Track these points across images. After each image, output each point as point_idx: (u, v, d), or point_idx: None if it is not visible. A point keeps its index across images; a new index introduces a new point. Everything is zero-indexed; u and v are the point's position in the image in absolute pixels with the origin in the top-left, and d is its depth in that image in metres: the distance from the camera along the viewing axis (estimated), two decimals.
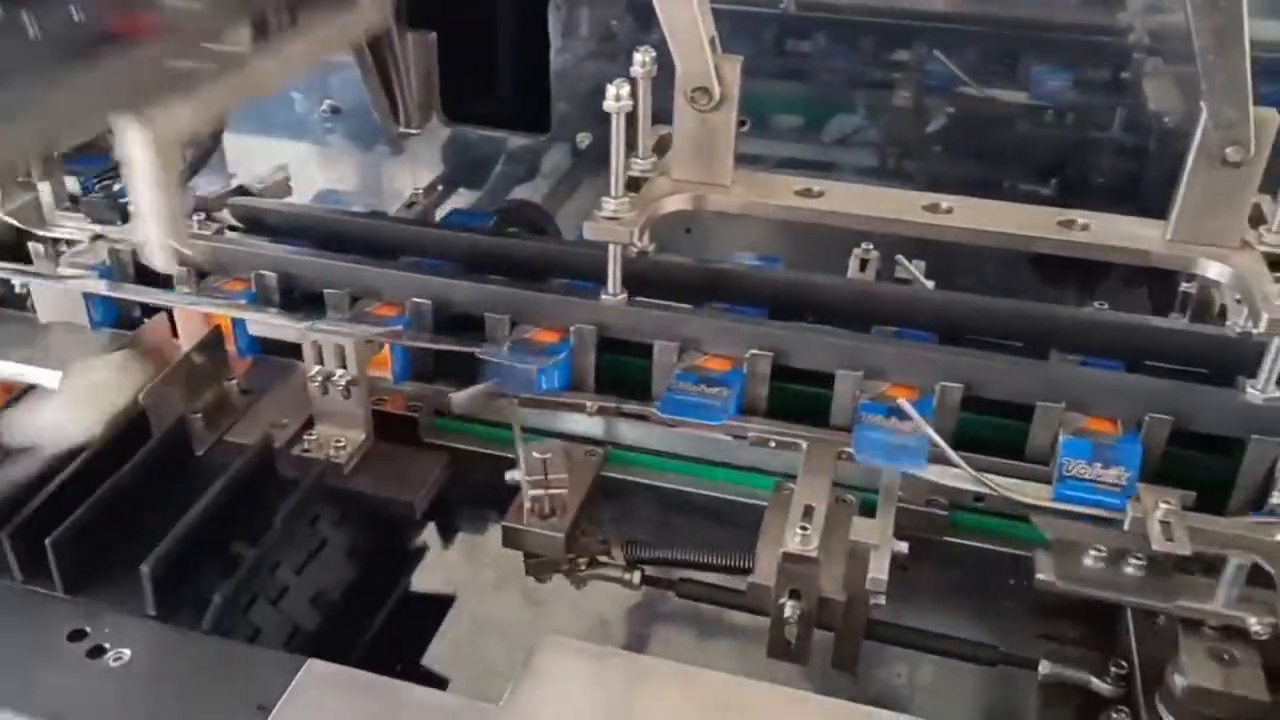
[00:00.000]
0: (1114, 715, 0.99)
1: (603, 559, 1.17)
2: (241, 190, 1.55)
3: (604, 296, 1.25)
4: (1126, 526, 1.04)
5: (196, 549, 1.04)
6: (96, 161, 1.46)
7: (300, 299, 1.37)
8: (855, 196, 1.23)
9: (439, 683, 1.17)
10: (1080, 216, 1.15)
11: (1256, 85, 1.01)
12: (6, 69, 0.84)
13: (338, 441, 1.24)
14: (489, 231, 1.48)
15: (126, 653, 0.94)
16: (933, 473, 1.11)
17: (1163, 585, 0.99)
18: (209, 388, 1.29)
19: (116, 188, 1.44)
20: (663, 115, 1.24)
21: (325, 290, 1.33)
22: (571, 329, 1.25)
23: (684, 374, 1.21)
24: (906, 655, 1.13)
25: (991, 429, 1.18)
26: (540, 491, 1.12)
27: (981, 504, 1.19)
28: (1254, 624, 0.94)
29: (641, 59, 1.18)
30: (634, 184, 1.24)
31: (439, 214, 1.83)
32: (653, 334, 1.23)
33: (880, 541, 1.01)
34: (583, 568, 1.17)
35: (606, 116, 1.13)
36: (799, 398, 1.22)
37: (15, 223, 1.40)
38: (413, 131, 1.77)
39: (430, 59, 1.73)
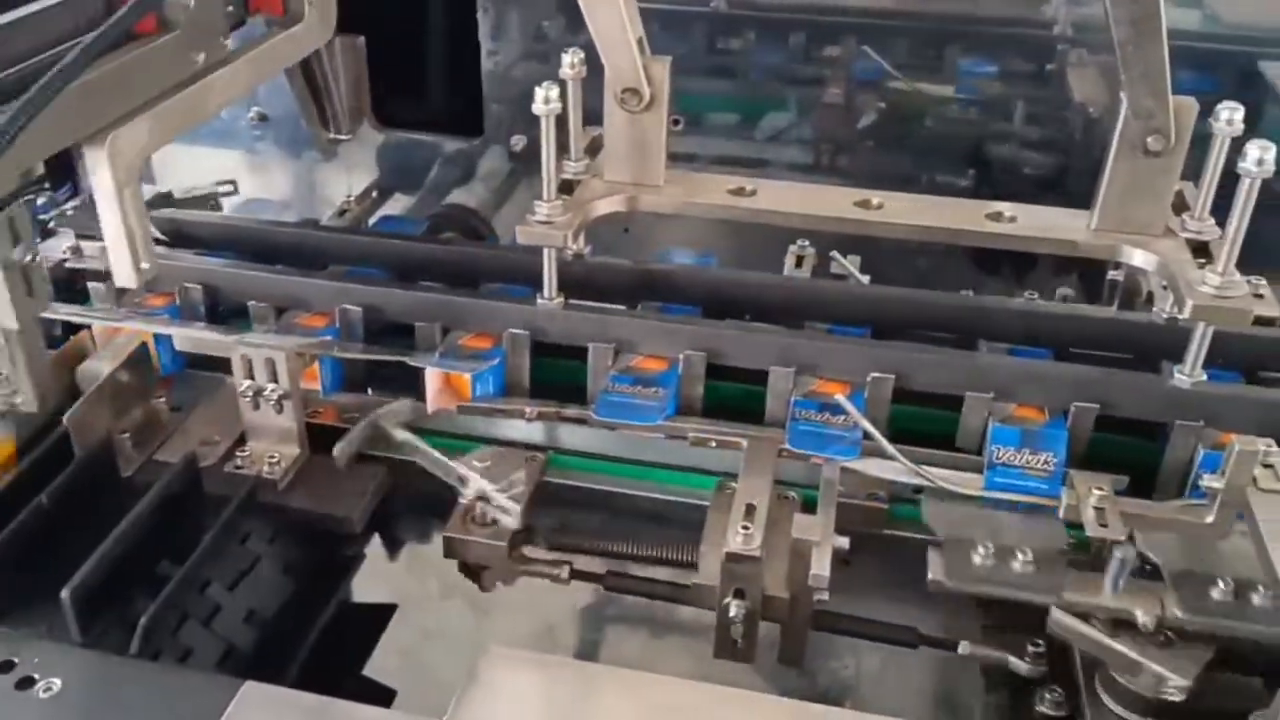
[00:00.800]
0: (1046, 695, 1.00)
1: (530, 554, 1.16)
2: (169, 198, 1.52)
3: (540, 301, 1.24)
4: (1061, 513, 1.05)
5: (123, 572, 1.01)
6: None
7: (227, 312, 1.34)
8: (787, 194, 1.24)
9: (385, 697, 1.15)
10: (1007, 209, 1.17)
11: (1175, 74, 1.03)
12: None
13: (271, 457, 1.21)
14: (422, 238, 1.47)
15: (57, 682, 0.91)
16: (870, 466, 1.12)
17: (1050, 580, 0.99)
18: (136, 406, 1.25)
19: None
20: (597, 116, 1.23)
21: (249, 303, 1.31)
22: (505, 334, 1.24)
23: (619, 376, 1.20)
24: (854, 646, 1.14)
25: (928, 421, 1.19)
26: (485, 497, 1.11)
27: (920, 495, 1.20)
28: (1140, 616, 0.94)
29: (570, 61, 1.18)
30: (567, 186, 1.24)
31: (375, 220, 1.81)
32: (587, 337, 1.23)
33: (821, 538, 1.02)
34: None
35: (539, 119, 1.12)
36: (735, 396, 1.22)
37: None
38: (343, 138, 1.75)
39: (359, 64, 1.71)
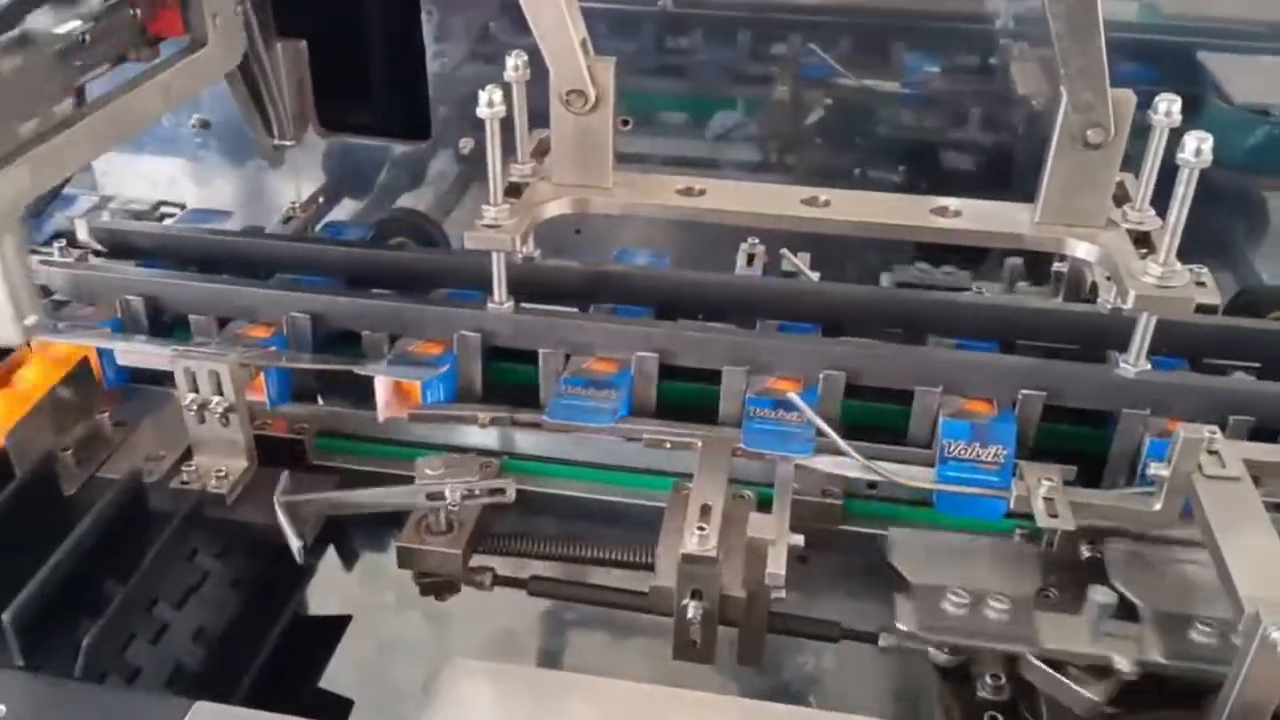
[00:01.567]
0: (988, 680, 0.99)
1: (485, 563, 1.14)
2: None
3: (490, 305, 1.23)
4: (1011, 505, 1.06)
5: (67, 594, 0.99)
6: None
7: (170, 324, 1.32)
8: (736, 193, 1.24)
9: (342, 708, 1.14)
10: (953, 203, 1.18)
11: (1115, 66, 1.04)
12: None
13: (219, 471, 1.19)
14: (369, 244, 1.45)
15: (1, 708, 0.89)
16: (824, 462, 1.12)
17: (1025, 628, 0.96)
18: (78, 422, 1.23)
19: None
20: (545, 118, 1.22)
21: (190, 315, 1.29)
22: (455, 338, 1.22)
23: (572, 378, 1.20)
24: (814, 644, 1.14)
25: (881, 416, 1.20)
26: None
27: (875, 491, 1.20)
28: (1120, 662, 0.92)
29: (514, 63, 1.17)
30: (515, 189, 1.23)
31: (321, 226, 1.78)
32: (538, 340, 1.22)
33: (777, 536, 1.01)
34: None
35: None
36: (689, 396, 1.22)
37: None
38: (288, 143, 1.72)
39: (302, 68, 1.68)
